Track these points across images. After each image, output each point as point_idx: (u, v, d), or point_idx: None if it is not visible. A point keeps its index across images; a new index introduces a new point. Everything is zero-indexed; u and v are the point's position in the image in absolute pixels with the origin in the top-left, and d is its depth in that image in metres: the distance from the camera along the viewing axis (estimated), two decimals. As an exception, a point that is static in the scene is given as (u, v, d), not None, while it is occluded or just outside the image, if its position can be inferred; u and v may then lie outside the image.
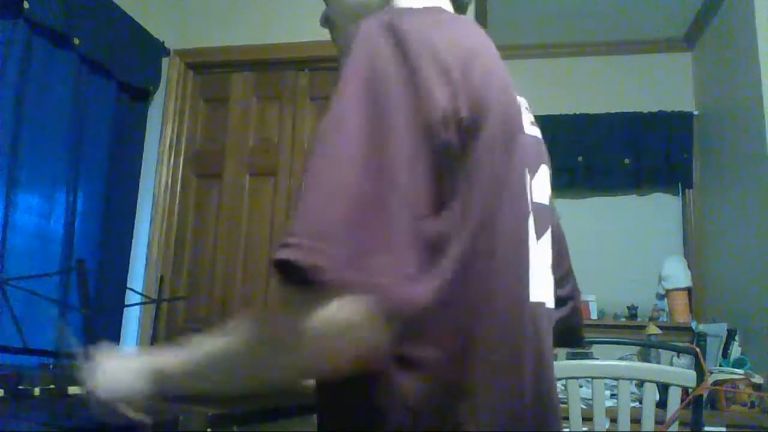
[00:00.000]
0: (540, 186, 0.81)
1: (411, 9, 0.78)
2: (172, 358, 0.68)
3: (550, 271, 0.81)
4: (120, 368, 0.73)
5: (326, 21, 0.89)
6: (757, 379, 2.38)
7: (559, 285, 0.96)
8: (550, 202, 0.85)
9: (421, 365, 0.62)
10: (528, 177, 0.76)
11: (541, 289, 0.77)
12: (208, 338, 0.65)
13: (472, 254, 0.63)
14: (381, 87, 0.60)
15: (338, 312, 0.54)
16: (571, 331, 0.98)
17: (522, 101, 0.84)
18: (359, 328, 0.55)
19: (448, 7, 0.84)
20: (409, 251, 0.57)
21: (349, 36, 0.66)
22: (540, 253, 0.78)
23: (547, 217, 0.82)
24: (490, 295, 0.65)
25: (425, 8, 0.78)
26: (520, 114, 0.74)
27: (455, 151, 0.62)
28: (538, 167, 0.82)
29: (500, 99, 0.67)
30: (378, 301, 0.54)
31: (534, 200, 0.77)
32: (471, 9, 2.80)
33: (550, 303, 0.80)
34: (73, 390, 0.98)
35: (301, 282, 0.53)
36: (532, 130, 0.84)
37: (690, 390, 1.63)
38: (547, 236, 0.81)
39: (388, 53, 0.62)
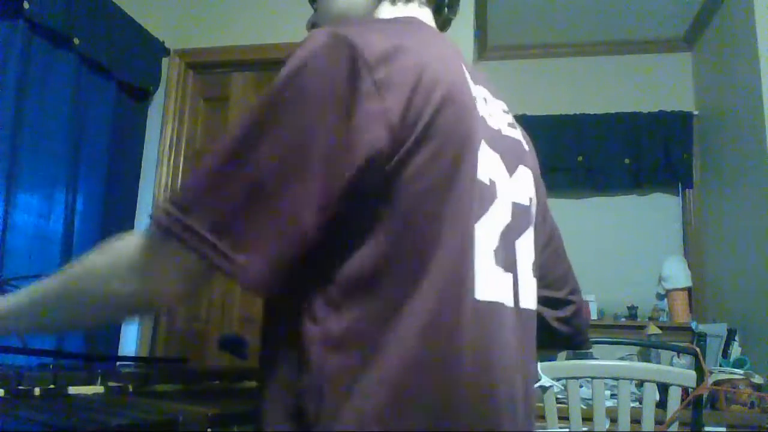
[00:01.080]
0: (519, 187, 0.81)
1: (378, 20, 0.80)
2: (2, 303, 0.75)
3: (531, 270, 0.81)
4: None
5: (312, 26, 0.90)
6: (757, 379, 2.38)
7: (557, 287, 0.96)
8: (532, 202, 0.85)
9: (342, 341, 0.64)
10: (501, 178, 0.76)
11: (522, 289, 0.77)
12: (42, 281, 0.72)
13: (393, 254, 0.64)
14: (308, 94, 0.62)
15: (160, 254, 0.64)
16: (576, 332, 0.98)
17: (500, 104, 0.85)
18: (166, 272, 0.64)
19: (429, 21, 0.85)
20: (266, 236, 0.61)
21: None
22: (521, 253, 0.78)
23: (525, 217, 0.82)
24: (416, 291, 0.64)
25: (395, 19, 0.80)
26: (477, 121, 0.73)
27: (388, 165, 0.63)
28: (515, 168, 0.82)
29: (451, 110, 0.67)
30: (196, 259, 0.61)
31: (513, 200, 0.78)
32: (471, 9, 2.81)
33: (529, 303, 0.79)
34: (73, 390, 0.98)
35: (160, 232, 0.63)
36: (511, 132, 0.84)
37: (690, 390, 1.63)
38: (528, 235, 0.81)
39: (332, 66, 0.63)
